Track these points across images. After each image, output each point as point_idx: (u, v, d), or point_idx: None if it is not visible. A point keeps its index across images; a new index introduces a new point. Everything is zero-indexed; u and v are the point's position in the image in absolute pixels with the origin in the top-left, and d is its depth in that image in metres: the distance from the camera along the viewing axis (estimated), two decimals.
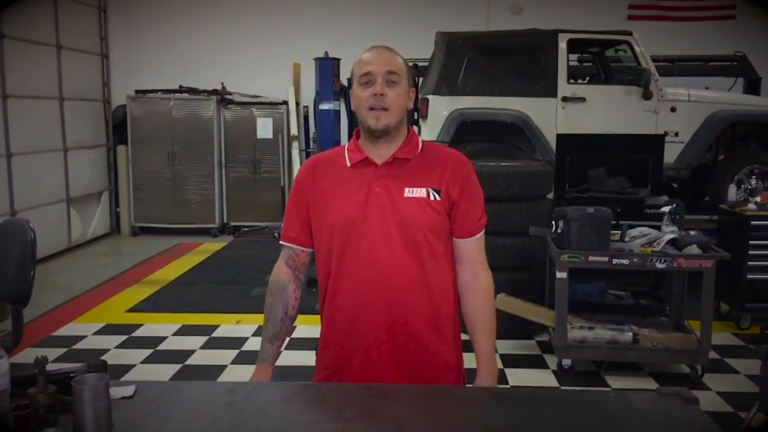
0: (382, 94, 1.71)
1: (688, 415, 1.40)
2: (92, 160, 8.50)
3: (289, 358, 4.08)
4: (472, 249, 1.84)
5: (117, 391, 1.50)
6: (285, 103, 8.69)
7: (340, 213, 1.76)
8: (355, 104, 1.79)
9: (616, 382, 3.99)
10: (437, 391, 1.64)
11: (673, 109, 6.29)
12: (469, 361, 1.90)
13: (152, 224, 8.73)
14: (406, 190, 1.75)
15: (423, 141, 1.85)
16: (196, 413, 1.43)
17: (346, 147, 1.85)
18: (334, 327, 1.82)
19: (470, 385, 1.81)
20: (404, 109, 1.78)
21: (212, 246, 7.99)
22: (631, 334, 4.05)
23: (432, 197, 1.75)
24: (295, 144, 8.51)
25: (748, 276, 4.78)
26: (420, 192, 1.75)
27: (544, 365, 4.29)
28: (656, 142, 5.34)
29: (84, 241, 8.11)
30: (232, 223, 8.78)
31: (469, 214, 1.81)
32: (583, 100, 6.29)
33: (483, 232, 1.87)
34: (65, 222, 7.74)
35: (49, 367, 1.39)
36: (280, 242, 1.93)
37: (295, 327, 4.56)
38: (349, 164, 1.80)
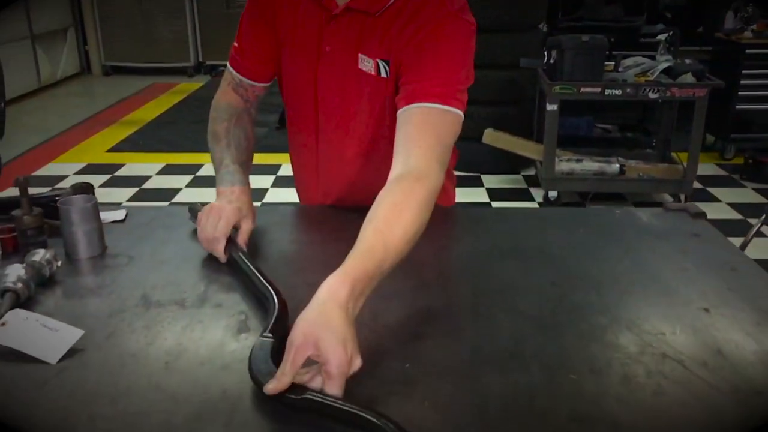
0: None
1: (697, 228, 1.38)
2: None
3: (279, 196, 4.06)
4: (409, 124, 1.20)
5: (108, 215, 1.44)
6: None
7: (289, 69, 1.44)
8: None
9: None
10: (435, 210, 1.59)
11: None
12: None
13: (124, 63, 8.36)
14: (360, 57, 1.32)
15: None
16: (192, 235, 1.38)
17: None
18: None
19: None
20: None
21: (189, 86, 7.71)
22: (618, 165, 4.06)
23: (383, 72, 1.31)
24: None
25: (737, 107, 4.74)
26: (369, 65, 1.31)
27: (530, 198, 4.33)
28: None
29: (54, 81, 7.78)
30: (208, 62, 8.41)
31: (412, 69, 1.24)
32: None
33: (440, 107, 1.20)
34: (32, 60, 7.37)
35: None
36: (228, 67, 1.54)
37: (280, 166, 4.51)
38: None
